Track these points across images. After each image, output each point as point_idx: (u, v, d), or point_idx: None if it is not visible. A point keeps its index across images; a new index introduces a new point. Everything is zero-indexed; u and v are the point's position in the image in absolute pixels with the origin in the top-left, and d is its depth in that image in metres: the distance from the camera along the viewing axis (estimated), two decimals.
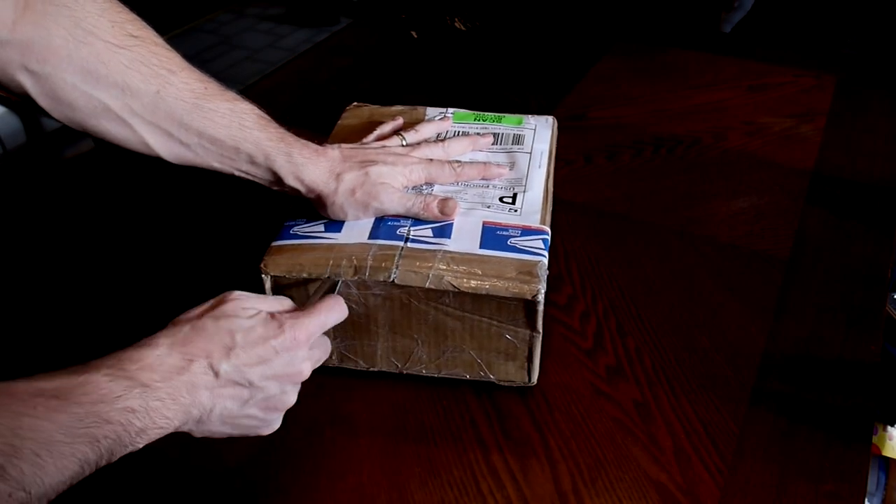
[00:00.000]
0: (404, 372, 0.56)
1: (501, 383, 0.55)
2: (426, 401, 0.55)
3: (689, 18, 1.77)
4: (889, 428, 0.82)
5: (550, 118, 0.67)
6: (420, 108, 0.68)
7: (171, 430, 0.39)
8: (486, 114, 0.67)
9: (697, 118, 0.90)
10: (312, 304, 0.47)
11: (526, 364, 0.54)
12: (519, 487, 0.49)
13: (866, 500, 0.51)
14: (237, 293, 0.45)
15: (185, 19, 3.03)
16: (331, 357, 0.55)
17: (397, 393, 0.56)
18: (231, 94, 0.53)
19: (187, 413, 0.39)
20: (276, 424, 0.46)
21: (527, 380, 0.55)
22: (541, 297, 0.49)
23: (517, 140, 0.64)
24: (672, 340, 0.60)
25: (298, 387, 0.46)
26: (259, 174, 0.54)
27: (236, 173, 0.54)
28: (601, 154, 0.83)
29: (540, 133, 0.65)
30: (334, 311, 0.47)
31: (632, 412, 0.54)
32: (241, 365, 0.41)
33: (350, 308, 0.50)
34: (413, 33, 1.09)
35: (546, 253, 0.52)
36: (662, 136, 0.86)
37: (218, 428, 0.42)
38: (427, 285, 0.50)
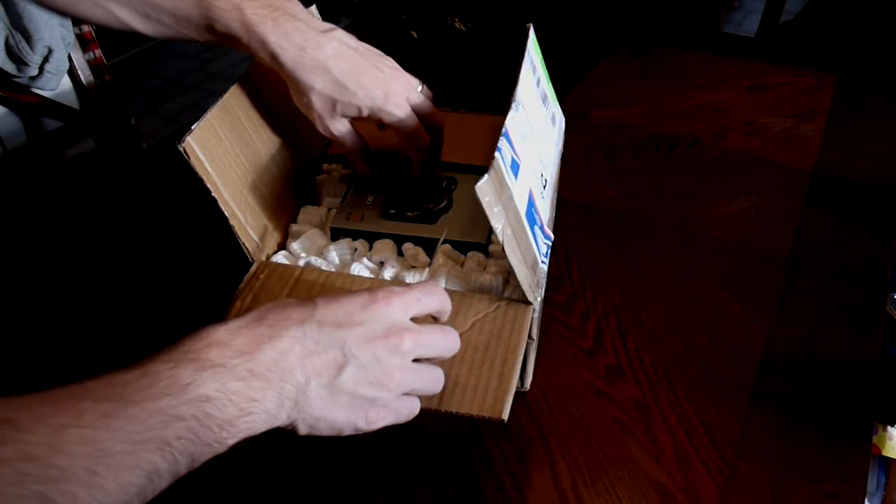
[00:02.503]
0: None
1: None
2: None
3: (689, 18, 1.77)
4: (889, 428, 0.81)
5: (559, 119, 0.67)
6: None
7: (265, 417, 0.32)
8: None
9: (697, 118, 0.90)
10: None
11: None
12: (519, 487, 0.49)
13: (866, 500, 0.51)
14: None
15: None
16: None
17: None
18: None
19: (280, 391, 0.33)
20: (408, 409, 0.39)
21: (520, 385, 0.55)
22: (538, 306, 0.49)
23: None
24: (672, 340, 0.60)
25: (403, 358, 0.38)
26: (243, 48, 0.50)
27: (221, 44, 0.51)
28: (601, 154, 0.83)
29: None
30: (433, 293, 0.40)
31: (632, 412, 0.54)
32: (329, 325, 0.35)
33: None
34: (413, 33, 1.09)
35: (547, 259, 0.52)
36: (662, 136, 0.86)
37: (322, 412, 0.35)
38: None
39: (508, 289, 0.49)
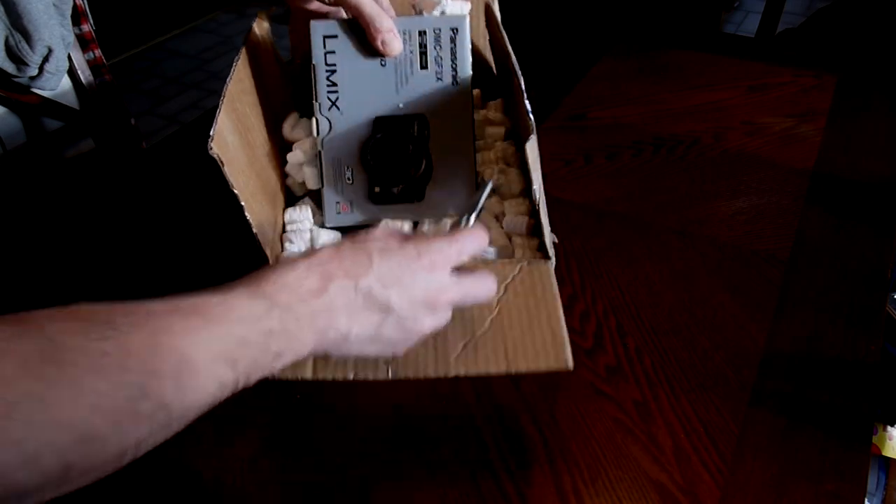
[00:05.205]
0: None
1: None
2: (426, 401, 0.55)
3: (689, 18, 1.78)
4: (889, 428, 0.82)
5: None
6: None
7: (305, 353, 0.38)
8: None
9: (697, 118, 0.90)
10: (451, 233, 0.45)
11: None
12: (519, 487, 0.49)
13: (866, 500, 0.51)
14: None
15: (185, 19, 3.03)
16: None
17: (397, 393, 0.56)
18: None
19: (324, 336, 0.39)
20: (410, 345, 0.44)
21: None
22: (554, 259, 0.50)
23: None
24: (672, 340, 0.60)
25: (436, 314, 0.44)
26: None
27: None
28: (601, 154, 0.83)
29: None
30: (474, 238, 0.45)
31: (632, 412, 0.54)
32: (378, 284, 0.40)
33: None
34: None
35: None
36: (662, 136, 0.86)
37: (356, 349, 0.42)
38: None
39: (518, 250, 0.51)
